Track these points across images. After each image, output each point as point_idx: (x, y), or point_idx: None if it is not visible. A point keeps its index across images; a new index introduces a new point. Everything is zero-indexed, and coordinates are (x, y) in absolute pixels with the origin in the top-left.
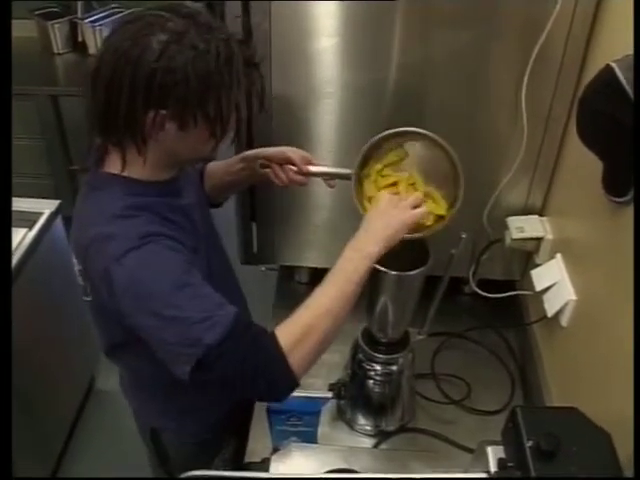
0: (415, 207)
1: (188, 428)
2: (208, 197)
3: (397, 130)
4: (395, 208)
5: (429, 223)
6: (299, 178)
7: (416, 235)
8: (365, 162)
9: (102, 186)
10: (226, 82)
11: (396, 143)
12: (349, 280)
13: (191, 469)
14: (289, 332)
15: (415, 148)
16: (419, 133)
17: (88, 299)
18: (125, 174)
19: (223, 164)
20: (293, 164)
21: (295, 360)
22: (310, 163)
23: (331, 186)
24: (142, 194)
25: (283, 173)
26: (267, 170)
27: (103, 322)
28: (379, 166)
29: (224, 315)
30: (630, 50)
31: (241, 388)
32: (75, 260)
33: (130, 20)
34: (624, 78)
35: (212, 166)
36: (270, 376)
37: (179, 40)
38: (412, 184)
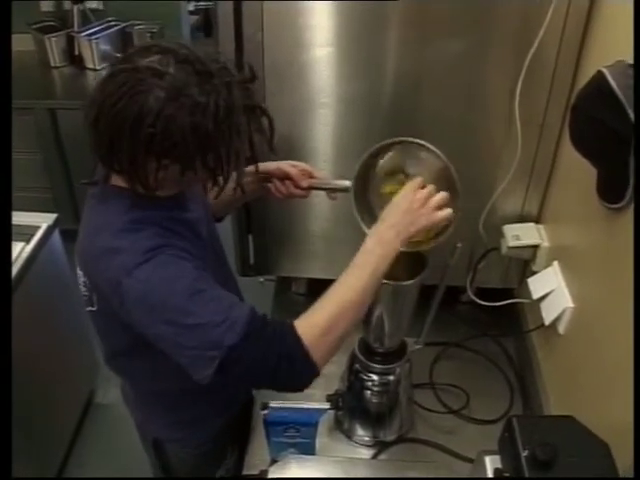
0: (440, 207)
1: (192, 438)
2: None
3: (393, 140)
4: (422, 207)
5: (430, 236)
6: (299, 192)
7: (416, 248)
8: (364, 173)
9: (108, 200)
10: (225, 137)
11: (394, 154)
12: (372, 273)
13: (195, 478)
14: (313, 325)
15: (413, 160)
16: (416, 143)
17: (93, 309)
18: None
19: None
20: (292, 179)
21: (318, 352)
22: (310, 176)
23: (332, 198)
24: (147, 208)
25: (283, 187)
26: (269, 185)
27: (109, 331)
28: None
29: (240, 314)
30: (621, 56)
31: (262, 382)
32: (80, 271)
33: (126, 69)
34: (615, 84)
35: None
36: (292, 369)
37: (177, 97)
38: None
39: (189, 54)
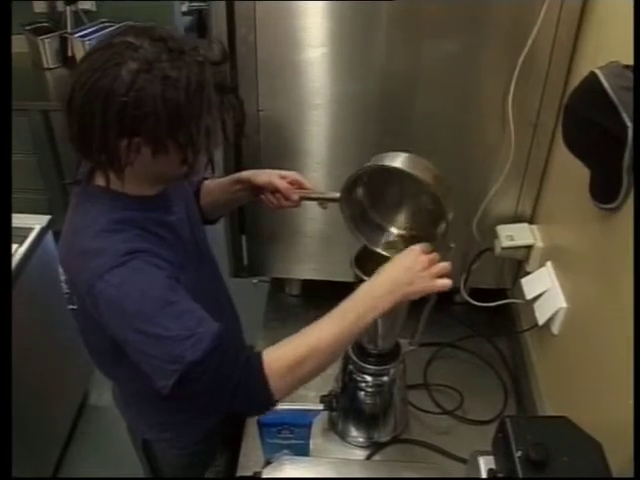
0: (441, 276)
1: (180, 440)
2: (204, 214)
3: (376, 165)
4: (424, 270)
5: None
6: (289, 204)
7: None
8: (352, 187)
9: (91, 199)
10: (196, 111)
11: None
12: (354, 324)
13: (192, 479)
14: (280, 359)
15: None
16: (399, 169)
17: (74, 307)
18: (113, 188)
19: (219, 183)
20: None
21: (278, 387)
22: (301, 186)
23: (324, 207)
24: (129, 208)
25: (275, 200)
26: (261, 197)
27: (89, 330)
28: None
29: (206, 332)
30: (614, 57)
31: (219, 403)
32: (61, 270)
33: (101, 47)
34: (608, 85)
35: (209, 184)
36: (248, 396)
37: (149, 69)
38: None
39: (163, 33)
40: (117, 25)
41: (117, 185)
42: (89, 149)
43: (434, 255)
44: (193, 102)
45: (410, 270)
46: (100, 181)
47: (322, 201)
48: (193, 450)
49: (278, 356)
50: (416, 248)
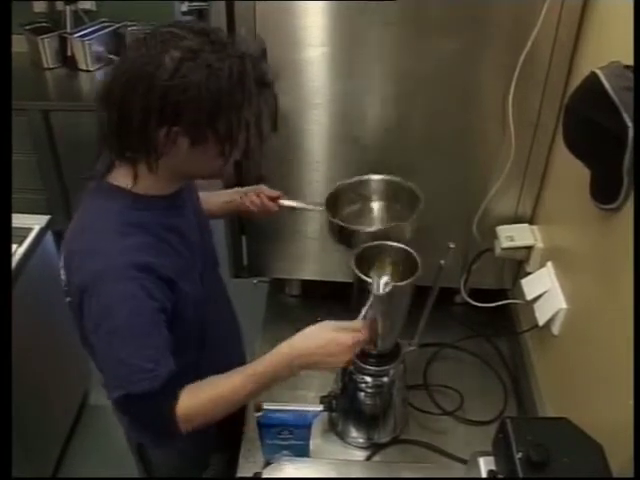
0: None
1: (174, 445)
2: None
3: (359, 179)
4: (340, 354)
5: None
6: (270, 204)
7: None
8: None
9: (104, 197)
10: (237, 101)
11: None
12: (264, 384)
13: (190, 479)
14: (191, 407)
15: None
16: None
17: (70, 300)
18: (129, 187)
19: (216, 195)
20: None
21: (185, 425)
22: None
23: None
24: (142, 209)
25: (257, 199)
26: (244, 198)
27: (82, 326)
28: None
29: (164, 372)
30: (615, 57)
31: (141, 430)
32: (61, 264)
33: (144, 37)
34: (609, 85)
35: (203, 196)
36: (156, 431)
37: (193, 58)
38: None
39: (205, 27)
40: (117, 25)
41: (137, 185)
42: (126, 140)
43: (360, 338)
44: (235, 92)
45: (325, 351)
46: (116, 180)
47: (302, 210)
48: (186, 456)
49: (190, 404)
50: (347, 325)
